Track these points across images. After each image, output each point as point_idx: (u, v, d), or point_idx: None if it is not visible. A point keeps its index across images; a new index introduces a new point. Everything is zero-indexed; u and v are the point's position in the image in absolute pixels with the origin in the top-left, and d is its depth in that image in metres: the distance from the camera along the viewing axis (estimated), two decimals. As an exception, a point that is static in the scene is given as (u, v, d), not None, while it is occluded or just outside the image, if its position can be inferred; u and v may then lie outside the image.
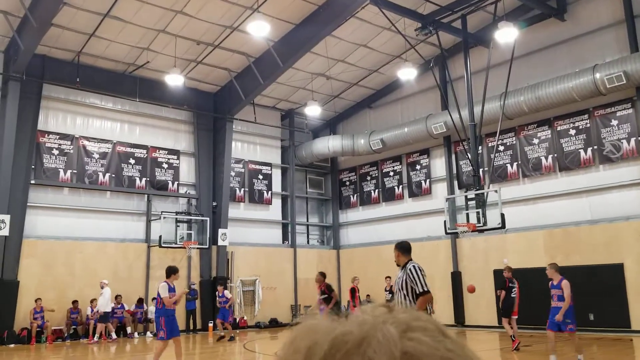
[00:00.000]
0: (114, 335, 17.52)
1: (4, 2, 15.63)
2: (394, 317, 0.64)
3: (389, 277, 17.68)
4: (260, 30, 15.99)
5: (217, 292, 18.42)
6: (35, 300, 16.84)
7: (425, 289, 6.12)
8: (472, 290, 15.72)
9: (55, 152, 18.58)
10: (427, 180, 21.94)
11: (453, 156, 21.05)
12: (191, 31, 18.02)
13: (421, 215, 21.90)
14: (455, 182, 20.88)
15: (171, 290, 10.09)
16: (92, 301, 17.79)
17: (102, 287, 17.33)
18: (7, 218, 16.73)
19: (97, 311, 17.31)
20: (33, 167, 18.03)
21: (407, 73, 18.93)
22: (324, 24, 17.45)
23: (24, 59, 16.60)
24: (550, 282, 10.53)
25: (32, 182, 17.93)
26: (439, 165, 21.67)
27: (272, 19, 16.87)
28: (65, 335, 17.44)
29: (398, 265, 6.45)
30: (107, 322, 17.41)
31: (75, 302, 17.60)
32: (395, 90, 23.15)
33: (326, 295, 13.05)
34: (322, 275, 13.30)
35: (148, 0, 16.32)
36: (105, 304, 17.16)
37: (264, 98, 22.59)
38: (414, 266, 6.21)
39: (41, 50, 17.66)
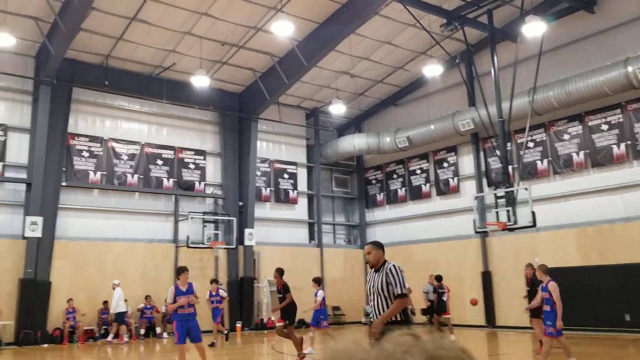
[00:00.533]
0: (125, 338, 17.28)
1: (34, 8, 15.92)
2: (418, 347, 0.59)
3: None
4: (284, 30, 15.98)
5: (210, 291, 16.11)
6: (67, 301, 17.15)
7: (404, 291, 5.74)
8: (474, 303, 15.75)
9: (85, 154, 18.88)
10: (455, 178, 21.68)
11: (481, 153, 20.75)
12: (216, 32, 18.11)
13: (449, 214, 21.65)
14: (484, 180, 20.58)
15: (180, 293, 9.71)
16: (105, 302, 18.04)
17: (113, 288, 17.48)
18: (39, 220, 17.06)
19: (109, 312, 17.50)
20: (64, 169, 18.34)
21: (432, 70, 18.70)
22: (348, 22, 17.36)
23: (54, 64, 16.89)
24: (540, 285, 10.16)
25: (63, 184, 18.24)
26: (466, 162, 21.39)
27: (296, 18, 16.84)
28: (97, 335, 17.70)
29: (373, 266, 5.90)
30: (123, 323, 17.49)
31: (105, 302, 17.84)
32: (421, 87, 22.93)
33: (281, 295, 12.22)
34: (279, 272, 12.35)
35: (174, 3, 16.46)
36: (117, 305, 17.34)
37: (289, 97, 22.60)
38: (394, 266, 5.78)
39: (71, 55, 17.95)
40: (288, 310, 12.23)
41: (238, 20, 17.64)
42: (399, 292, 5.62)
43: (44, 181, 17.37)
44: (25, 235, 16.90)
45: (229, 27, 17.89)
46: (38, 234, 17.00)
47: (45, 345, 16.44)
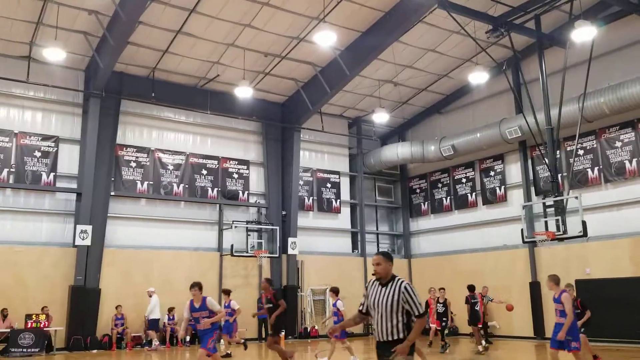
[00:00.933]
0: (154, 344, 17.33)
1: (83, 23, 16.44)
2: None
3: (443, 289, 17.18)
4: (326, 40, 15.99)
5: (223, 302, 15.31)
6: (116, 307, 17.54)
7: (423, 311, 5.29)
8: (510, 309, 16.29)
9: (133, 164, 19.33)
10: (502, 187, 21.21)
11: (529, 161, 20.24)
12: (259, 43, 18.29)
13: (496, 223, 21.18)
14: (532, 189, 20.06)
15: (194, 309, 9.68)
16: (169, 310, 18.33)
17: (150, 296, 17.72)
18: (89, 228, 17.54)
19: (146, 318, 17.70)
20: (113, 179, 18.83)
21: (478, 77, 18.37)
22: (391, 30, 17.27)
23: (103, 77, 17.40)
24: (552, 296, 9.66)
25: (112, 193, 18.72)
26: (514, 171, 20.90)
27: (338, 27, 16.86)
28: (144, 341, 18.01)
29: (379, 279, 5.42)
30: (157, 330, 17.71)
31: (152, 310, 18.16)
32: (466, 94, 22.58)
33: (272, 305, 11.78)
34: (268, 281, 11.99)
35: (218, 16, 16.72)
36: (152, 312, 17.56)
37: (331, 107, 22.61)
38: (408, 284, 5.33)
39: (118, 68, 18.46)
40: (281, 320, 11.94)
41: (280, 31, 17.78)
42: (421, 311, 5.26)
43: (93, 191, 17.87)
44: (76, 244, 17.41)
45: (271, 37, 18.05)
46: (88, 242, 17.48)
47: (95, 351, 16.83)
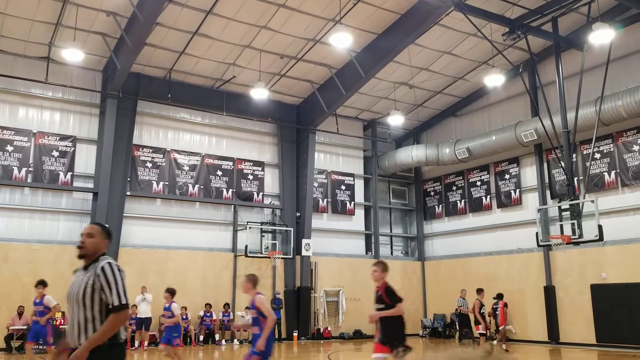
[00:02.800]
0: (145, 345, 17.33)
1: (102, 24, 16.63)
2: None
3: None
4: (342, 42, 16.03)
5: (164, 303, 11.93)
6: (131, 307, 17.60)
7: (124, 302, 3.73)
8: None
9: (149, 165, 19.49)
10: (517, 190, 21.08)
11: (545, 165, 20.11)
12: (275, 45, 18.37)
13: (511, 227, 21.06)
14: (548, 192, 19.91)
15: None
16: (182, 309, 18.41)
17: (142, 293, 17.66)
18: (105, 228, 17.66)
19: (136, 317, 17.54)
20: (129, 179, 19.00)
21: (494, 79, 18.29)
22: (407, 32, 17.26)
23: (120, 78, 17.57)
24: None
25: (128, 193, 18.89)
26: (529, 174, 20.77)
27: (354, 29, 16.88)
28: (157, 340, 18.11)
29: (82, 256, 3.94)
30: (147, 330, 17.58)
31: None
32: (482, 97, 22.49)
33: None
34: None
35: (234, 17, 16.82)
36: (145, 310, 17.52)
37: (346, 109, 22.63)
38: (109, 263, 3.82)
39: (135, 69, 18.63)
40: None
41: (296, 33, 17.84)
42: (117, 302, 3.73)
43: (109, 191, 18.05)
44: (92, 243, 17.53)
45: (287, 39, 18.12)
46: (104, 241, 17.58)
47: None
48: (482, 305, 15.31)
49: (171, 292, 11.56)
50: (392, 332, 7.06)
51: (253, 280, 7.89)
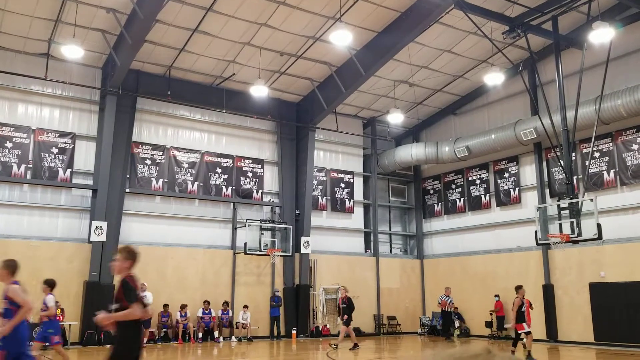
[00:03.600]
0: (144, 342, 17.22)
1: (101, 21, 16.61)
2: None
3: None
4: (342, 40, 16.02)
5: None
6: (164, 306, 17.52)
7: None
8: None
9: (148, 162, 19.49)
10: (517, 189, 21.09)
11: (544, 163, 20.12)
12: (275, 43, 18.36)
13: (510, 225, 21.08)
14: (547, 191, 19.93)
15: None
16: (182, 307, 18.46)
17: (143, 291, 17.56)
18: (104, 224, 17.71)
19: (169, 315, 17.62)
20: (128, 176, 18.99)
21: (494, 78, 18.29)
22: (407, 30, 17.24)
23: (120, 74, 17.55)
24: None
25: (127, 190, 18.88)
26: (528, 172, 20.78)
27: (354, 27, 16.87)
28: (157, 337, 18.15)
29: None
30: (147, 327, 17.28)
31: (165, 305, 18.29)
32: (481, 95, 22.50)
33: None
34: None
35: (234, 15, 16.80)
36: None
37: (346, 107, 22.63)
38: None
39: (135, 66, 18.61)
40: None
41: (296, 30, 17.83)
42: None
43: (109, 187, 18.04)
44: (91, 240, 17.60)
45: (287, 37, 18.11)
46: (103, 238, 17.64)
47: (108, 346, 16.91)
48: (522, 304, 14.38)
49: (49, 284, 10.45)
50: (121, 342, 5.46)
51: (11, 266, 6.69)
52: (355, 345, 16.41)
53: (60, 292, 16.98)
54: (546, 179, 20.01)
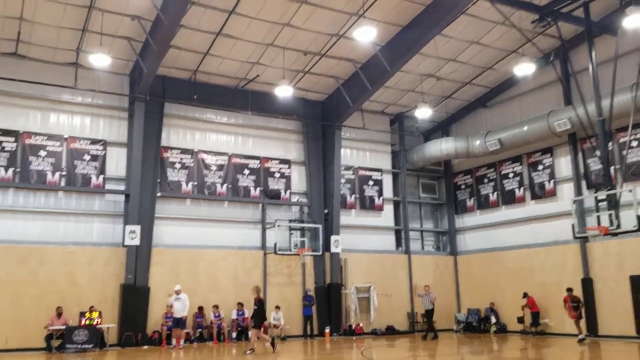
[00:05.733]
0: (180, 343, 17.30)
1: (127, 29, 16.79)
2: None
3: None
4: (366, 36, 15.84)
5: None
6: (167, 306, 17.73)
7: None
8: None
9: (177, 166, 19.66)
10: (551, 181, 20.58)
11: (579, 154, 19.57)
12: (298, 42, 18.28)
13: (546, 219, 20.58)
14: (583, 182, 19.39)
15: None
16: (215, 307, 18.59)
17: (177, 294, 17.51)
18: (137, 229, 17.94)
19: (172, 316, 17.42)
20: (158, 180, 19.20)
21: (524, 68, 17.82)
22: (433, 23, 16.92)
23: (147, 81, 17.73)
24: None
25: (158, 194, 19.09)
26: (563, 164, 20.25)
27: (378, 23, 16.67)
28: (192, 338, 18.32)
29: None
30: (183, 328, 17.50)
31: (200, 307, 18.43)
32: (512, 87, 22.02)
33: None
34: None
35: (257, 16, 16.78)
36: (182, 310, 17.40)
37: (372, 103, 22.42)
38: None
39: (161, 72, 18.77)
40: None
41: (319, 29, 17.71)
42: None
43: (140, 192, 18.29)
44: (125, 244, 17.85)
45: (310, 36, 18.01)
46: (136, 242, 17.89)
47: (145, 347, 17.22)
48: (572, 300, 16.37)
49: None
50: None
51: None
52: (252, 350, 15.29)
53: (97, 295, 17.38)
54: (582, 170, 19.47)
